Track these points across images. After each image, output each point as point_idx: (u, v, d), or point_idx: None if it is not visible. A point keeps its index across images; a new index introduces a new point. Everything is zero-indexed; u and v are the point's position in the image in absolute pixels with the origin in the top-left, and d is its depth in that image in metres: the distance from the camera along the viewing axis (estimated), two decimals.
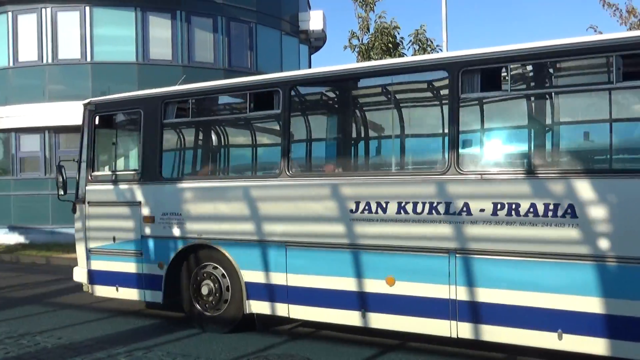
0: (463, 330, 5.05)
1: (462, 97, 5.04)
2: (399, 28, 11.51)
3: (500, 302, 4.87)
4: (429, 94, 6.01)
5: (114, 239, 7.03)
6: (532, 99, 5.34)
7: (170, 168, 7.07)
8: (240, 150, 7.31)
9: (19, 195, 16.46)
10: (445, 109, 5.22)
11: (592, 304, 4.50)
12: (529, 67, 5.14)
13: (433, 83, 5.71)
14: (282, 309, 5.94)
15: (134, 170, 6.96)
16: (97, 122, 7.25)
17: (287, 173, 5.85)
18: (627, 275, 4.38)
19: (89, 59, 16.33)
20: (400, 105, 6.10)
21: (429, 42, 11.52)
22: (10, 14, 16.86)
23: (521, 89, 5.32)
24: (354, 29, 12.24)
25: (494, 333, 4.94)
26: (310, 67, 22.46)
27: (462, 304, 5.02)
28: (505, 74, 4.94)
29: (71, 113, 13.47)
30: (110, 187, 7.06)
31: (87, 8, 16.40)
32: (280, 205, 5.95)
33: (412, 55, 11.54)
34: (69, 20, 16.51)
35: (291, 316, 5.94)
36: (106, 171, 7.44)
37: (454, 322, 5.07)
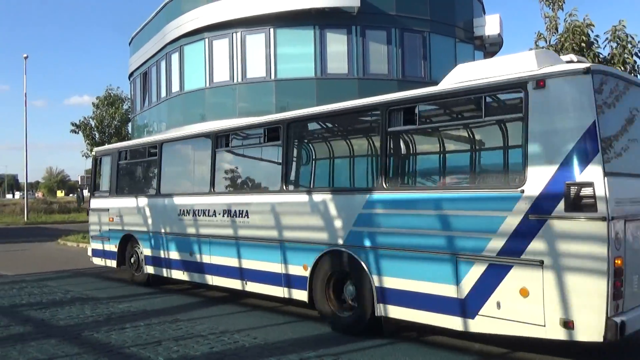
0: (215, 281, 8.70)
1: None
2: (593, 25, 10.43)
3: (228, 264, 8.38)
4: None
5: (99, 230, 11.71)
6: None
7: (121, 188, 11.29)
8: (144, 178, 11.11)
9: None
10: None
11: (262, 265, 7.79)
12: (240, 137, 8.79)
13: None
14: (161, 271, 9.96)
15: (108, 190, 11.53)
16: (98, 162, 12.06)
17: (160, 192, 9.94)
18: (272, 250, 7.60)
19: (273, 76, 17.47)
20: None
21: (630, 39, 10.25)
22: (206, 40, 18.72)
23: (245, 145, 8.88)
24: (535, 30, 11.38)
25: (220, 281, 8.62)
26: None
27: (208, 265, 8.79)
28: (234, 138, 8.70)
29: None
30: (99, 200, 11.76)
31: (272, 29, 17.57)
32: (155, 210, 10.02)
33: (608, 53, 10.42)
34: (255, 42, 17.85)
35: (164, 275, 9.89)
36: (99, 191, 12.00)
37: (212, 276, 8.76)
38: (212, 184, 8.69)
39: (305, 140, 8.07)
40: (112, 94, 30.92)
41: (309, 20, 17.28)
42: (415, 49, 18.02)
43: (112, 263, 11.24)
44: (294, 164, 7.77)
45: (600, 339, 4.76)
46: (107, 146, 12.03)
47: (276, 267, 7.54)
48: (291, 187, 7.60)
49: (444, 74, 6.66)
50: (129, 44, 26.69)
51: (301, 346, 6.23)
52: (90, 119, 30.40)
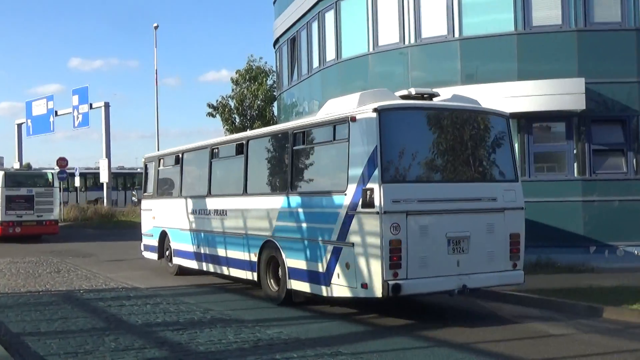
0: (206, 267, 14.12)
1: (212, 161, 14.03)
2: None
3: (219, 254, 13.50)
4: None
5: (146, 227, 17.11)
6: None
7: (160, 191, 16.51)
8: (173, 182, 15.94)
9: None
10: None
11: (238, 254, 12.61)
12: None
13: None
14: (187, 263, 14.90)
15: (151, 192, 16.81)
16: (146, 167, 17.64)
17: (181, 195, 15.04)
18: (243, 242, 12.37)
19: (457, 34, 17.07)
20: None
21: None
22: None
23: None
24: None
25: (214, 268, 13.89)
26: None
27: (207, 255, 13.99)
28: (220, 151, 14.11)
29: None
30: (147, 200, 17.23)
31: None
32: (182, 211, 14.84)
33: None
34: None
35: (183, 265, 15.12)
36: (147, 193, 17.28)
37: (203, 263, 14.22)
38: (209, 189, 13.83)
39: (257, 154, 12.46)
40: (253, 67, 32.60)
41: None
42: None
43: (155, 256, 16.37)
44: (252, 173, 12.41)
45: (381, 296, 8.75)
46: (152, 153, 17.16)
47: (243, 255, 12.27)
48: (249, 191, 12.34)
49: None
50: (274, 3, 27.91)
51: None
52: (229, 99, 32.36)
